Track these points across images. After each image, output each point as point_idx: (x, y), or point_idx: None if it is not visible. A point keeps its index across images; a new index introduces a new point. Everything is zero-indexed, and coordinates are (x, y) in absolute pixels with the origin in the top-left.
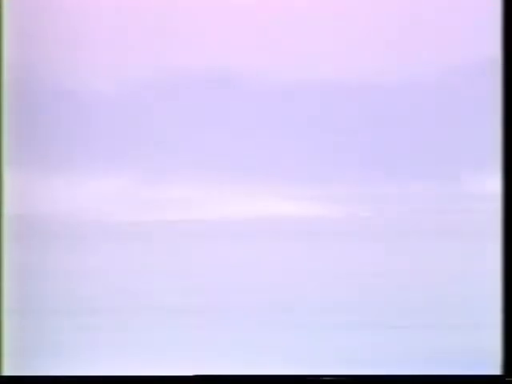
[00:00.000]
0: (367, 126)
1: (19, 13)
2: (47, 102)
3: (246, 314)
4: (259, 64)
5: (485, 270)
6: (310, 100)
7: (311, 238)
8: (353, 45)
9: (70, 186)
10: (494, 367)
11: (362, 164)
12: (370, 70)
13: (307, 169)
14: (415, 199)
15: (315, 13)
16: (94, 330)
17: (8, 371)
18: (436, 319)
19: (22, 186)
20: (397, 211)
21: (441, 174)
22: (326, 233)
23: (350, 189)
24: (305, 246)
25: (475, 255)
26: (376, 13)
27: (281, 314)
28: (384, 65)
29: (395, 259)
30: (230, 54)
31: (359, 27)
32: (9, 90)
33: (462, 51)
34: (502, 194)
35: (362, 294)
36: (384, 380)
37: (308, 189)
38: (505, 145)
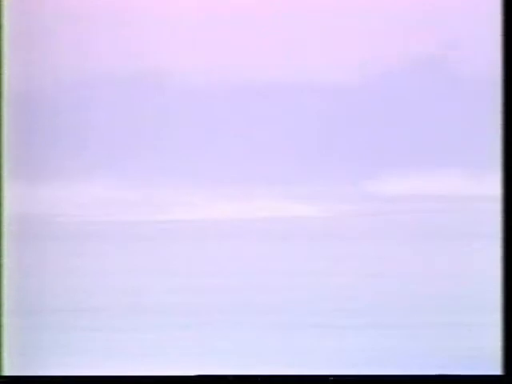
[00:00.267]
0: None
1: (19, 13)
2: (47, 103)
3: (240, 314)
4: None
5: (482, 271)
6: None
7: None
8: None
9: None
10: (494, 367)
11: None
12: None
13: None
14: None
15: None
16: (94, 330)
17: (8, 371)
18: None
19: (20, 189)
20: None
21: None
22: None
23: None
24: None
25: (472, 256)
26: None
27: (261, 315)
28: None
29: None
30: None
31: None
32: (9, 89)
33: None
34: (502, 194)
35: (361, 294)
36: (384, 380)
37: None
38: (505, 145)
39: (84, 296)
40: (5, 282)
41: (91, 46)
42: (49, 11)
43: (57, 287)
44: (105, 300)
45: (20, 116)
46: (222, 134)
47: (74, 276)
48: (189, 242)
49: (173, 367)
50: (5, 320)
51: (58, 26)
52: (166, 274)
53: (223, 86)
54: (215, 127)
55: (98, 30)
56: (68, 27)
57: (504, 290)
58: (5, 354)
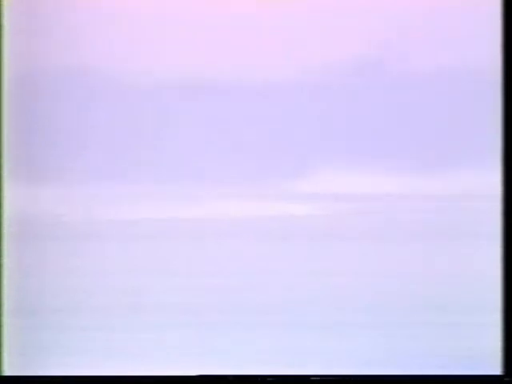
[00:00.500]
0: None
1: (19, 13)
2: (47, 103)
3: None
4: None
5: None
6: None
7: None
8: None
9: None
10: (494, 367)
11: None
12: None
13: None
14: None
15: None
16: (94, 330)
17: (8, 371)
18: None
19: (20, 190)
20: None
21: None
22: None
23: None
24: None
25: (471, 256)
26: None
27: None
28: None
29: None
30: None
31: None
32: (9, 89)
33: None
34: (502, 194)
35: (360, 294)
36: (384, 380)
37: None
38: (505, 144)
39: (84, 295)
40: (5, 282)
41: (91, 46)
42: (48, 11)
43: (57, 287)
44: (105, 299)
45: (20, 116)
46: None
47: (74, 276)
48: (188, 240)
49: (173, 366)
50: (5, 320)
51: (57, 26)
52: (156, 273)
53: None
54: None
55: (99, 30)
56: (68, 27)
57: (504, 291)
58: (5, 354)
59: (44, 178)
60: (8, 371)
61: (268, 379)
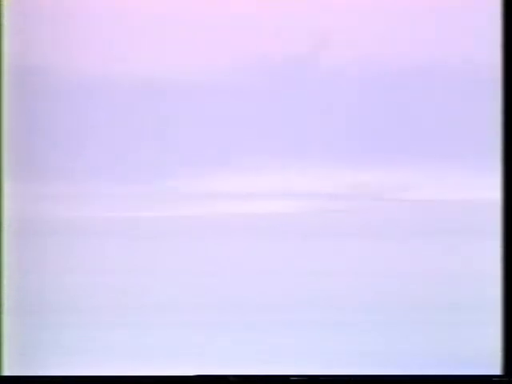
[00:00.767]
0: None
1: (19, 13)
2: (47, 104)
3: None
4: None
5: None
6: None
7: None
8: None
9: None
10: (494, 367)
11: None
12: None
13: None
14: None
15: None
16: (94, 329)
17: (8, 371)
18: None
19: (22, 188)
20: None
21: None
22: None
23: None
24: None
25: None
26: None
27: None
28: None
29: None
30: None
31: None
32: (9, 88)
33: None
34: (502, 194)
35: (361, 293)
36: (384, 380)
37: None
38: (505, 144)
39: (82, 294)
40: (5, 281)
41: (90, 46)
42: (48, 11)
43: (57, 286)
44: (105, 299)
45: (20, 115)
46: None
47: (73, 274)
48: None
49: (172, 366)
50: (5, 320)
51: (57, 26)
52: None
53: None
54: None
55: (97, 30)
56: (67, 27)
57: (504, 291)
58: (5, 354)
59: (44, 178)
60: (8, 371)
61: (291, 378)
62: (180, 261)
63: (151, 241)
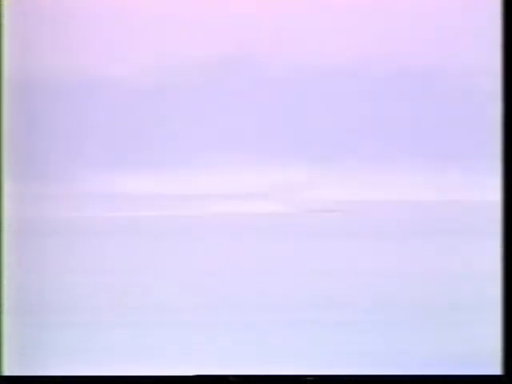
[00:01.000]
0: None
1: (19, 13)
2: (47, 104)
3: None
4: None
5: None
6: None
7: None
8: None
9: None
10: (494, 367)
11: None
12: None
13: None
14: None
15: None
16: (94, 329)
17: (8, 371)
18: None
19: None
20: None
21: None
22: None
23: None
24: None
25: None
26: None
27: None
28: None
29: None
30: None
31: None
32: (9, 87)
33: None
34: (502, 194)
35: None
36: (384, 380)
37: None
38: (505, 145)
39: (84, 294)
40: (5, 281)
41: (90, 46)
42: (48, 11)
43: (57, 286)
44: (105, 298)
45: (20, 116)
46: None
47: (74, 274)
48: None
49: (172, 366)
50: (5, 319)
51: (57, 26)
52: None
53: None
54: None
55: (96, 30)
56: (67, 27)
57: (504, 291)
58: (5, 354)
59: (44, 178)
60: (8, 371)
61: (307, 378)
62: (180, 261)
63: (151, 240)
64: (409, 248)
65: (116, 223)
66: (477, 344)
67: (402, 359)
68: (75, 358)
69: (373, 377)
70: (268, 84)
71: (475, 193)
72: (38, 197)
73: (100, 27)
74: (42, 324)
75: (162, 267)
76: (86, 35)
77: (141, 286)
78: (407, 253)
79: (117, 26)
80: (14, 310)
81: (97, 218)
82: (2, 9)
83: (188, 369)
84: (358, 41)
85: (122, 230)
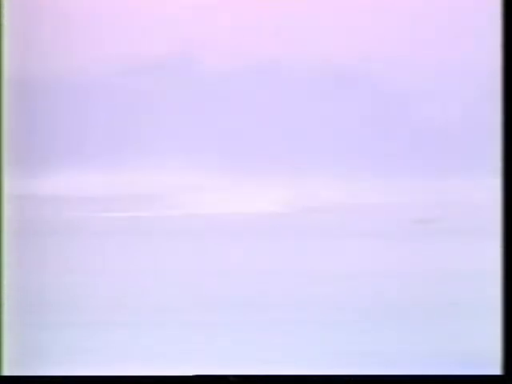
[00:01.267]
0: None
1: (19, 13)
2: (47, 102)
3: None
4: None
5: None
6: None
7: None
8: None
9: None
10: (494, 367)
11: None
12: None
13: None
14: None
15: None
16: (93, 328)
17: (8, 371)
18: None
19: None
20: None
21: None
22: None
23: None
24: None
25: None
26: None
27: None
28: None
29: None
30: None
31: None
32: (9, 87)
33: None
34: (502, 194)
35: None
36: (384, 380)
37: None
38: (505, 146)
39: (84, 294)
40: (5, 280)
41: (90, 46)
42: (48, 11)
43: (57, 286)
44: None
45: (20, 116)
46: None
47: (74, 274)
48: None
49: (172, 366)
50: (5, 319)
51: (57, 26)
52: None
53: None
54: None
55: (96, 30)
56: (67, 27)
57: (504, 291)
58: (5, 354)
59: (44, 178)
60: (8, 371)
61: (291, 378)
62: (180, 261)
63: (151, 240)
64: (409, 248)
65: (116, 223)
66: (477, 344)
67: (402, 359)
68: (75, 358)
69: (373, 377)
70: (202, 83)
71: (475, 193)
72: (38, 197)
73: (101, 27)
74: (42, 324)
75: (165, 267)
76: (87, 35)
77: (141, 287)
78: (408, 253)
79: (118, 25)
80: (14, 310)
81: (97, 219)
82: (1, 9)
83: (188, 369)
84: (357, 41)
85: (120, 229)
